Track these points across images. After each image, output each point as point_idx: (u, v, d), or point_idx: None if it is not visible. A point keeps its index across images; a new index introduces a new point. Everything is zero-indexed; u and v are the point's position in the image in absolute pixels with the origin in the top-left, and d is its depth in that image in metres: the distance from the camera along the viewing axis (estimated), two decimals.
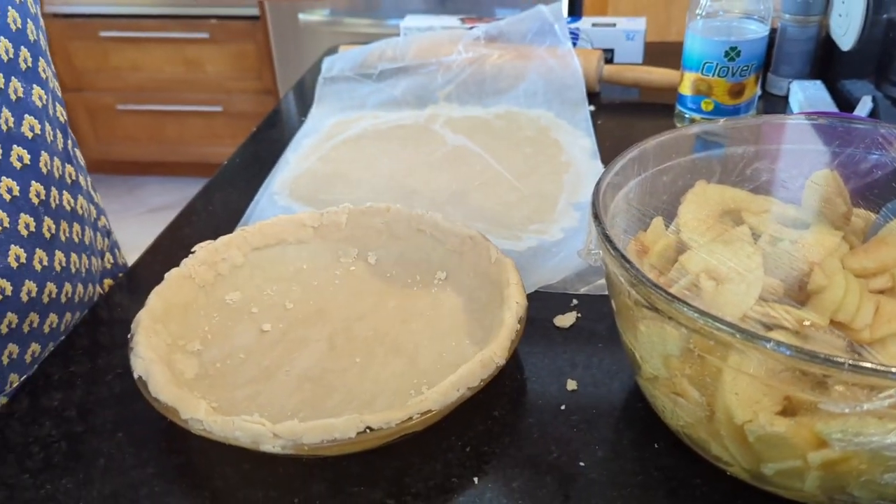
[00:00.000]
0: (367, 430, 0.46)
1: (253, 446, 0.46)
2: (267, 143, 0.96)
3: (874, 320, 0.45)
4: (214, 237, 0.64)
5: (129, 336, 0.54)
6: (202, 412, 0.47)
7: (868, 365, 0.34)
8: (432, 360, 0.56)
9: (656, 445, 0.50)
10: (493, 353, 0.50)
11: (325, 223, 0.68)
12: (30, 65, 0.58)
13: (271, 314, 0.62)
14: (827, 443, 0.37)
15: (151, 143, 2.83)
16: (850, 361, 0.34)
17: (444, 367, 0.55)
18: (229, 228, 0.74)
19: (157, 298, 0.57)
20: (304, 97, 1.08)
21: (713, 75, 0.85)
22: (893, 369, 0.33)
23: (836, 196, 0.54)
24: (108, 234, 0.76)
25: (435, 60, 1.05)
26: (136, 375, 0.51)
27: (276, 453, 0.46)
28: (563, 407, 0.53)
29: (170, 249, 0.74)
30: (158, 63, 2.65)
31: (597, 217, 0.46)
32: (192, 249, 0.63)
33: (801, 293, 0.48)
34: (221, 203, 0.83)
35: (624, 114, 1.01)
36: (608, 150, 0.88)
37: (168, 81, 2.68)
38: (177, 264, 0.61)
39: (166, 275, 0.60)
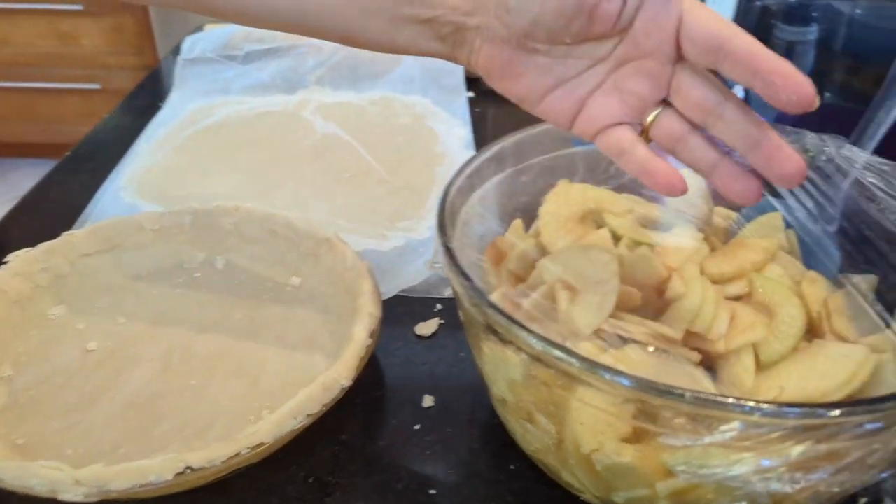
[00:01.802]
0: (188, 471, 0.41)
1: (51, 496, 0.40)
2: (118, 132, 0.88)
3: (729, 330, 0.43)
4: (51, 239, 0.57)
5: None
6: None
7: (709, 396, 0.31)
8: (277, 380, 0.51)
9: (512, 467, 0.47)
10: (338, 374, 0.46)
11: (167, 225, 0.62)
12: None
13: (99, 330, 0.55)
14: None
15: (24, 122, 2.61)
16: (691, 393, 0.31)
17: (290, 387, 0.50)
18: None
19: None
20: (164, 81, 1.00)
21: None
22: (732, 400, 0.31)
23: (698, 195, 0.52)
24: None
25: (306, 42, 0.99)
26: None
27: (78, 503, 0.40)
28: (417, 427, 0.49)
29: None
30: (29, 37, 2.44)
31: (441, 227, 0.42)
32: (5, 259, 0.55)
33: (660, 300, 0.46)
34: (59, 200, 0.74)
35: (505, 101, 0.97)
36: (485, 140, 0.85)
37: (41, 56, 2.48)
38: None
39: None
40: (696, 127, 0.39)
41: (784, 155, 0.36)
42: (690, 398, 0.31)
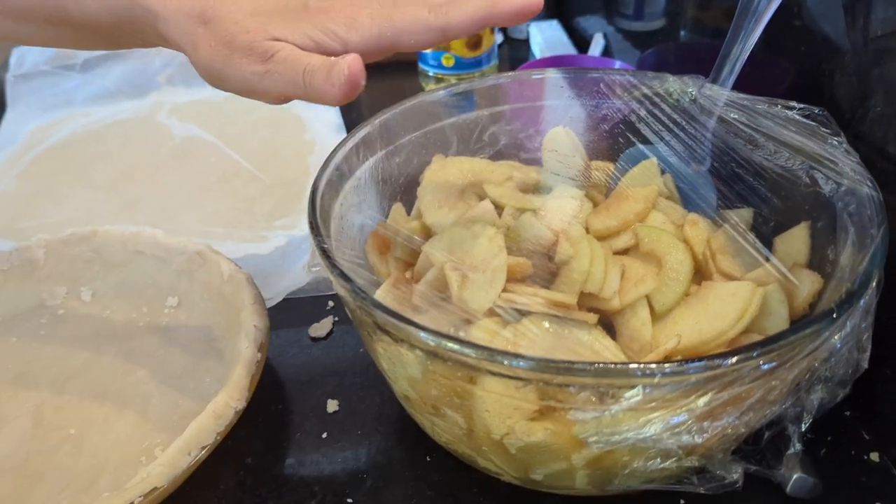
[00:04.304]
0: None
1: None
2: None
3: (621, 286, 0.43)
4: None
5: None
6: None
7: (610, 366, 0.30)
8: (166, 412, 0.48)
9: (429, 458, 0.45)
10: (229, 397, 0.43)
11: (17, 263, 0.56)
12: None
13: None
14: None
15: None
16: (592, 365, 0.30)
17: (181, 419, 0.47)
18: None
19: None
20: None
21: None
22: (633, 366, 0.30)
23: (573, 153, 0.52)
24: None
25: None
26: None
27: None
28: (324, 435, 0.47)
29: None
30: None
31: (314, 227, 0.40)
32: None
33: (551, 264, 0.45)
34: None
35: (369, 77, 0.93)
36: (355, 121, 0.81)
37: None
38: None
39: None
40: None
41: None
42: (592, 370, 0.30)
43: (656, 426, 0.32)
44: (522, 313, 0.41)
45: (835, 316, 0.32)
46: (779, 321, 0.42)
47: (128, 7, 0.40)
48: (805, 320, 0.32)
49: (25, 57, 0.91)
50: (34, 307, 0.56)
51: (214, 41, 0.38)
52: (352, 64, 0.35)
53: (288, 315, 0.56)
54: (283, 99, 0.39)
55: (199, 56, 0.39)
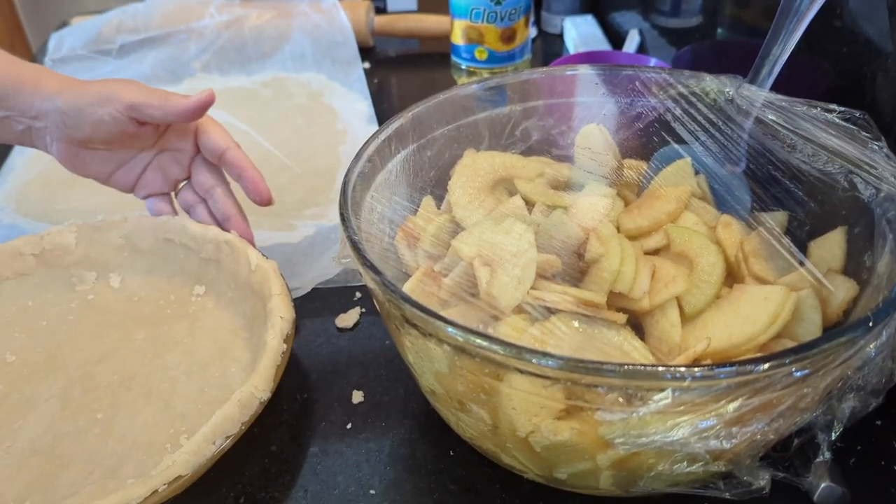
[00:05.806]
0: None
1: None
2: None
3: (651, 286, 0.43)
4: None
5: None
6: None
7: (639, 368, 0.30)
8: (192, 400, 0.48)
9: (452, 453, 0.45)
10: (254, 387, 0.43)
11: (49, 248, 0.57)
12: None
13: None
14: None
15: None
16: (620, 366, 0.30)
17: (207, 406, 0.47)
18: None
19: None
20: None
21: (482, 22, 0.80)
22: (662, 369, 0.30)
23: (606, 150, 0.51)
24: None
25: (185, 27, 0.92)
26: None
27: None
28: (349, 426, 0.47)
29: None
30: None
31: (344, 219, 0.40)
32: None
33: (581, 262, 0.45)
34: None
35: (402, 68, 0.94)
36: (386, 112, 0.82)
37: None
38: None
39: None
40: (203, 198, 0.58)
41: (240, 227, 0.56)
42: (621, 372, 0.30)
43: (684, 430, 0.32)
44: (551, 311, 0.41)
45: (871, 325, 0.32)
46: (812, 327, 0.41)
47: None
48: (840, 328, 0.32)
49: (63, 41, 0.92)
50: (63, 292, 0.57)
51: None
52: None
53: (315, 305, 0.57)
54: (132, 109, 0.51)
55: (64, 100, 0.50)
